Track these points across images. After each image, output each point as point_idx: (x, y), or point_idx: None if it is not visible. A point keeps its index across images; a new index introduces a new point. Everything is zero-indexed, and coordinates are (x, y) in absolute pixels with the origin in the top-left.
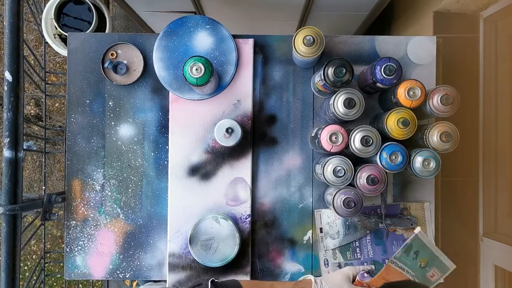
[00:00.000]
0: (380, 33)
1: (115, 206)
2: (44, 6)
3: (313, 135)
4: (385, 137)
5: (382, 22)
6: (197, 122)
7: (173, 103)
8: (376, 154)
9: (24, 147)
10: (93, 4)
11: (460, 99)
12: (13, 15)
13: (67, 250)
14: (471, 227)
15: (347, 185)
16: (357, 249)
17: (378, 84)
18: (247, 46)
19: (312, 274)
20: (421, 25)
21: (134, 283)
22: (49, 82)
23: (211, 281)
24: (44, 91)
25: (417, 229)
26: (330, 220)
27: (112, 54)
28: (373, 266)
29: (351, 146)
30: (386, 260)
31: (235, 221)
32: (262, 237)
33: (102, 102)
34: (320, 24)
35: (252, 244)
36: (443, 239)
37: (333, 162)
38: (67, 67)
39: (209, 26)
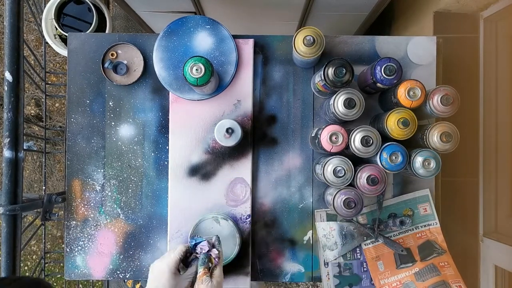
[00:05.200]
0: (380, 33)
1: (115, 206)
2: (44, 6)
3: (313, 135)
4: (385, 137)
5: (382, 22)
6: (197, 122)
7: (173, 103)
8: (376, 154)
9: (24, 147)
10: (93, 4)
11: (460, 99)
12: (13, 15)
13: (67, 250)
14: (471, 227)
15: (347, 185)
16: (357, 249)
17: (378, 84)
18: (247, 46)
19: (312, 274)
20: (421, 25)
21: (137, 285)
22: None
23: None
24: (44, 91)
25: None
26: (326, 233)
27: (112, 54)
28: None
29: (351, 146)
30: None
31: (235, 221)
32: (262, 238)
33: (102, 102)
34: (320, 24)
35: (252, 244)
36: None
37: (333, 162)
38: (67, 67)
39: (209, 26)
